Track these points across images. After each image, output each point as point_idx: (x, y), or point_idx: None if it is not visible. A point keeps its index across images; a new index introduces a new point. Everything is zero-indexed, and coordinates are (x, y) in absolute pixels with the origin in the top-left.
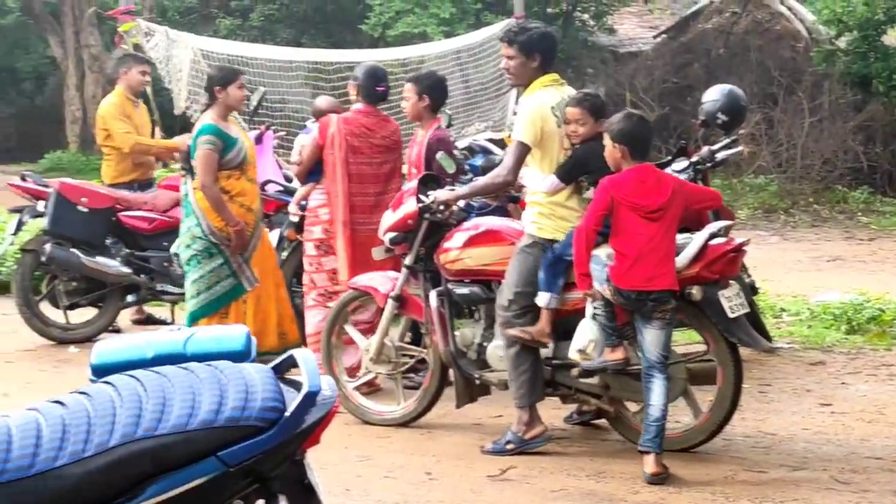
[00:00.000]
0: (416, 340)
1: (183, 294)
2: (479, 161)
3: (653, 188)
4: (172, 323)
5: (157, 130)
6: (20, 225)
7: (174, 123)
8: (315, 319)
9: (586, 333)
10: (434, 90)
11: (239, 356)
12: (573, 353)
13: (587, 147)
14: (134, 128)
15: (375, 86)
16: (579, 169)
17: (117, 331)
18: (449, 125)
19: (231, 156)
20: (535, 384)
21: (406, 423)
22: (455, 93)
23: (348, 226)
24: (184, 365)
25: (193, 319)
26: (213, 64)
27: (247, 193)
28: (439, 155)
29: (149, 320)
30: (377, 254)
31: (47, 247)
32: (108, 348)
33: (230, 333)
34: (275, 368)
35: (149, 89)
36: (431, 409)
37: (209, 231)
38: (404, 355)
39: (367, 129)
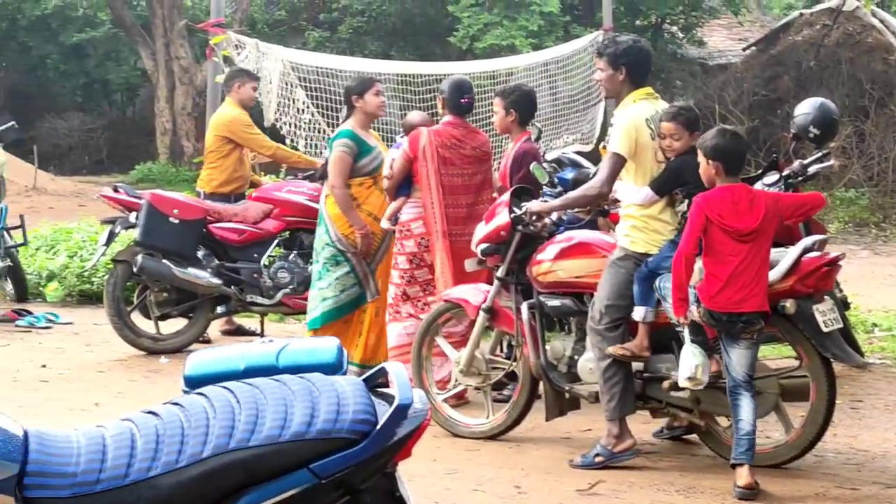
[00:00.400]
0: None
1: (272, 305)
2: (568, 174)
3: (746, 210)
4: (262, 334)
5: None
6: (112, 236)
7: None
8: (395, 333)
9: (690, 360)
10: (521, 104)
11: (331, 368)
12: (683, 382)
13: (681, 160)
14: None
15: (460, 98)
16: (673, 182)
17: (207, 342)
18: (538, 138)
19: (364, 162)
20: (626, 397)
21: (495, 435)
22: (543, 105)
23: (447, 236)
24: (276, 377)
25: (314, 326)
26: (303, 76)
27: (376, 203)
28: (533, 165)
29: (238, 331)
30: (469, 265)
31: (139, 258)
32: (201, 360)
33: (322, 346)
34: (367, 381)
35: None
36: (521, 422)
37: (336, 238)
38: (494, 368)
39: (457, 141)
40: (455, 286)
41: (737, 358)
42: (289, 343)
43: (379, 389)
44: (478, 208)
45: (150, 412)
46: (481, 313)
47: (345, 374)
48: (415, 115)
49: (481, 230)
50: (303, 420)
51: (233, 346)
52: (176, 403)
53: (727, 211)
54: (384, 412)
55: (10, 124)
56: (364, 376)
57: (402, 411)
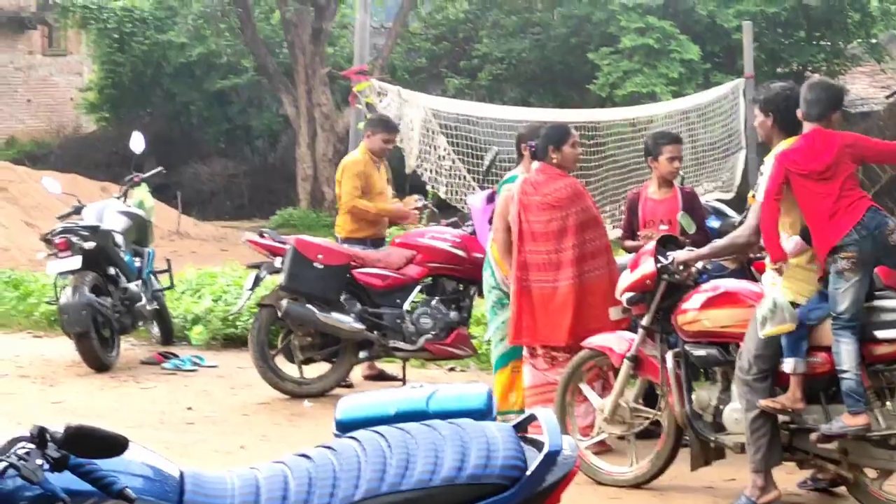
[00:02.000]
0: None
1: (414, 351)
2: (713, 222)
3: (820, 151)
4: (403, 380)
5: (389, 189)
6: (257, 280)
7: (403, 182)
8: (530, 372)
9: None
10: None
11: (480, 414)
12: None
13: None
14: (371, 188)
15: (545, 143)
16: None
17: (349, 386)
18: (680, 185)
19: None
20: (773, 448)
21: (638, 484)
22: (684, 153)
23: (518, 282)
24: (426, 422)
25: (494, 370)
26: (443, 123)
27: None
28: (679, 214)
29: (381, 376)
30: (614, 314)
31: (283, 302)
32: (352, 404)
33: (471, 392)
34: (516, 427)
35: None
36: (665, 471)
37: (501, 281)
38: (639, 416)
39: (534, 187)
40: (532, 332)
41: (841, 296)
42: (439, 389)
43: (528, 436)
44: (561, 255)
45: (302, 455)
46: (626, 361)
47: (494, 419)
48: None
49: (626, 279)
50: (453, 465)
51: (383, 391)
52: (328, 447)
53: (801, 157)
54: (534, 458)
55: (157, 170)
56: (514, 422)
57: (551, 458)
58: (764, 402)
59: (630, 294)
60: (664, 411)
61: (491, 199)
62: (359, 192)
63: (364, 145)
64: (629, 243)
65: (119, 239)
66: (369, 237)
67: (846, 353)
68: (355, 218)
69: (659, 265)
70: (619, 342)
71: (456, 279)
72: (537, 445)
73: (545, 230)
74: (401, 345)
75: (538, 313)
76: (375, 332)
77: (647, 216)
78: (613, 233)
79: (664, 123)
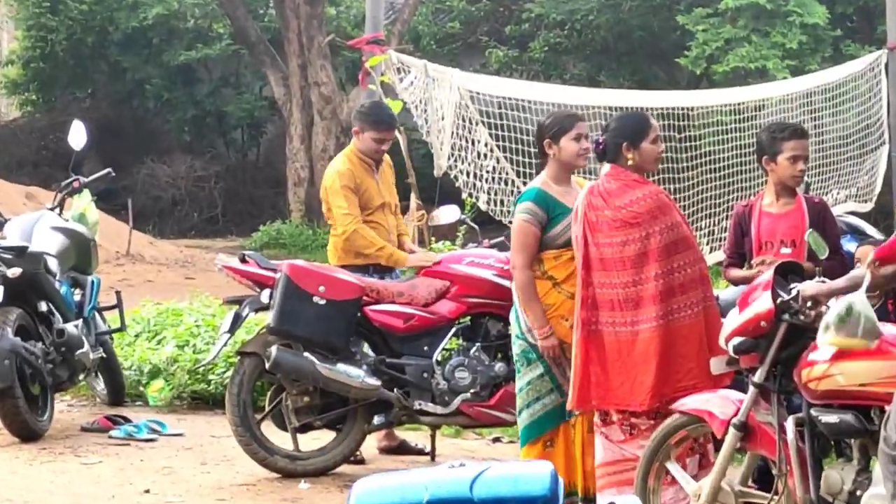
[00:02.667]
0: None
1: (447, 415)
2: (849, 244)
3: None
4: (433, 454)
5: (413, 199)
6: (238, 320)
7: (433, 187)
8: (602, 444)
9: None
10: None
11: (542, 502)
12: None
13: None
14: (369, 202)
15: (598, 140)
16: None
17: (360, 462)
18: (805, 192)
19: (559, 230)
20: None
21: None
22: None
23: (585, 326)
24: None
25: (521, 445)
26: (485, 109)
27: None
28: (807, 234)
29: (401, 449)
30: (716, 366)
31: (273, 349)
32: (370, 488)
33: (530, 472)
34: None
35: (402, 143)
36: None
37: (527, 329)
38: (748, 502)
39: (603, 198)
40: (604, 393)
41: None
42: (487, 468)
43: None
44: (641, 289)
45: None
46: (731, 430)
47: None
48: None
49: (733, 319)
50: None
51: (410, 471)
52: None
53: None
54: None
55: (104, 172)
56: None
57: None
58: None
59: (739, 340)
60: (781, 496)
61: None
62: (358, 212)
63: (352, 147)
64: (736, 273)
65: (53, 264)
66: (372, 265)
67: None
68: (347, 238)
69: (779, 301)
70: (721, 405)
71: (503, 319)
72: None
73: (620, 256)
74: (429, 407)
75: (611, 367)
76: (395, 390)
77: (761, 236)
78: (713, 257)
79: (780, 110)
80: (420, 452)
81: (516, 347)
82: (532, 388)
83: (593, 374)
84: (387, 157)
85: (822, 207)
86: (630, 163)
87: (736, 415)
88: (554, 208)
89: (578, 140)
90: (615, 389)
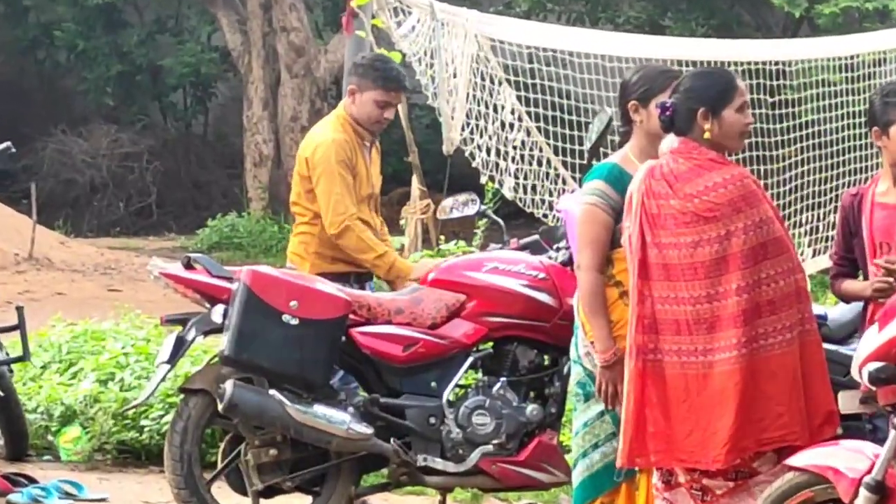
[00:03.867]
0: None
1: (462, 474)
2: None
3: None
4: None
5: (415, 183)
6: (181, 346)
7: (440, 168)
8: None
9: None
10: None
11: None
12: None
13: None
14: (357, 187)
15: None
16: None
17: None
18: None
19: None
20: None
21: None
22: None
23: (641, 354)
24: None
25: (576, 502)
26: (511, 64)
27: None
28: None
29: None
30: (846, 403)
31: (228, 386)
32: None
33: None
34: None
35: (401, 109)
36: None
37: (585, 351)
38: None
39: (669, 182)
40: (665, 446)
41: None
42: None
43: None
44: (717, 305)
45: None
46: (863, 492)
47: None
48: None
49: (871, 341)
50: None
51: None
52: None
53: None
54: None
55: (2, 147)
56: None
57: None
58: None
59: (878, 366)
60: None
61: None
62: (353, 201)
63: (343, 112)
64: (847, 286)
65: None
66: (355, 272)
67: None
68: (319, 239)
69: None
70: (851, 458)
71: (538, 345)
72: None
73: (690, 261)
74: (438, 463)
75: (675, 411)
76: (393, 441)
77: (875, 235)
78: (815, 264)
79: None
80: None
81: (574, 376)
82: (589, 432)
83: (651, 421)
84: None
85: None
86: (707, 136)
87: (870, 472)
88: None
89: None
90: (681, 441)
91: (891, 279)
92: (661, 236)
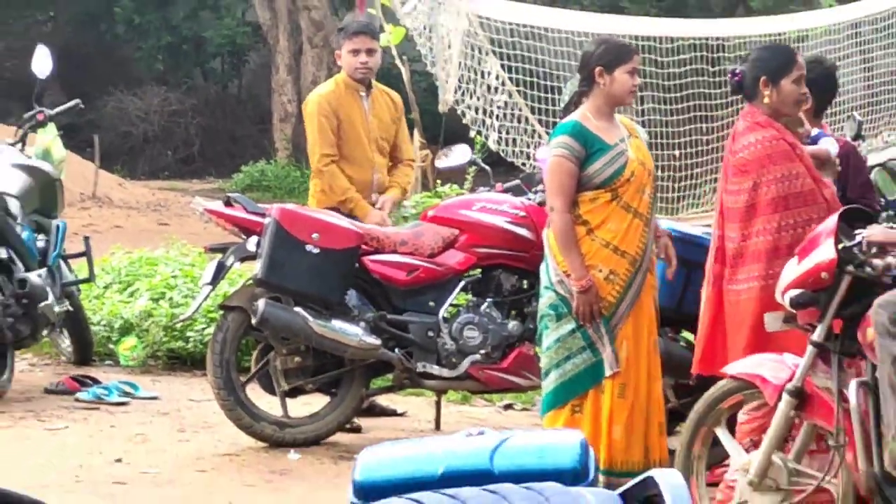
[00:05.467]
0: None
1: (454, 379)
2: None
3: None
4: (436, 422)
5: (417, 136)
6: (221, 271)
7: (437, 125)
8: None
9: None
10: (821, 86)
11: (572, 476)
12: None
13: None
14: (348, 135)
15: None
16: None
17: (356, 430)
18: (857, 135)
19: (597, 166)
20: None
21: None
22: (852, 87)
23: (717, 281)
24: (491, 487)
25: (543, 411)
26: (497, 38)
27: (617, 229)
28: (876, 171)
29: (371, 410)
30: (771, 322)
31: (260, 303)
32: (378, 459)
33: (558, 442)
34: (624, 495)
35: (405, 75)
36: None
37: (557, 279)
38: (801, 480)
39: (733, 139)
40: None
41: None
42: (509, 437)
43: None
44: (749, 245)
45: None
46: (785, 397)
47: (592, 483)
48: None
49: (791, 271)
50: None
51: (424, 440)
52: None
53: None
54: None
55: (72, 103)
56: (622, 489)
57: None
58: None
59: (797, 292)
60: (840, 473)
61: None
62: (330, 145)
63: (341, 73)
64: None
65: (14, 206)
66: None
67: None
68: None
69: (841, 248)
70: (775, 368)
71: (518, 272)
72: None
73: (733, 206)
74: (434, 369)
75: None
76: (397, 350)
77: None
78: None
79: (824, 42)
80: (393, 413)
81: (544, 300)
82: (562, 346)
83: (720, 336)
84: (391, 91)
85: (844, 150)
86: (766, 101)
87: (791, 380)
88: (593, 143)
89: (632, 75)
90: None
91: None
92: (725, 183)
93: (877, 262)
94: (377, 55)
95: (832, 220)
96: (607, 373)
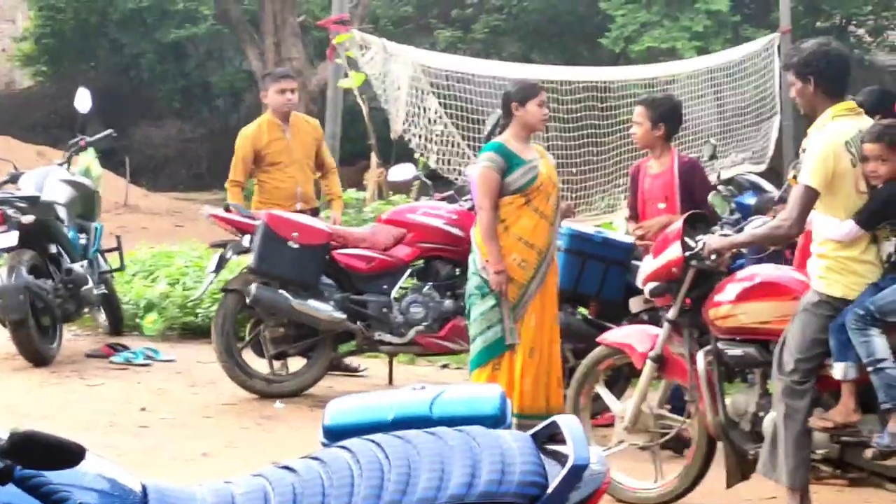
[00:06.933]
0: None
1: (403, 345)
2: (749, 198)
3: None
4: (389, 378)
5: (374, 158)
6: (222, 262)
7: (390, 149)
8: None
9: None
10: (671, 117)
11: (493, 421)
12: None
13: (890, 187)
14: (265, 159)
15: None
16: (881, 214)
17: (355, 370)
18: (713, 157)
19: (514, 177)
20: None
21: (666, 503)
22: (709, 119)
23: None
24: (430, 430)
25: (471, 369)
26: (434, 81)
27: (527, 225)
28: (712, 195)
29: (338, 368)
30: (634, 305)
31: (252, 287)
32: (342, 408)
33: (483, 394)
34: (534, 436)
35: (364, 110)
36: (695, 488)
37: (481, 266)
38: (664, 425)
39: None
40: None
41: None
42: (445, 390)
43: (549, 448)
44: None
45: (285, 467)
46: (649, 362)
47: (508, 426)
48: None
49: (649, 265)
50: (462, 481)
51: (379, 393)
52: (315, 458)
53: None
54: (556, 473)
55: (107, 132)
56: (532, 431)
57: (577, 472)
58: (814, 422)
59: (654, 285)
60: (694, 419)
61: None
62: (239, 173)
63: (267, 113)
64: (633, 227)
65: (62, 212)
66: (306, 210)
67: (880, 343)
68: (261, 189)
69: (686, 255)
70: (640, 339)
71: (452, 262)
72: (560, 459)
73: None
74: (387, 337)
75: None
76: (358, 323)
77: (644, 194)
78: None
79: (687, 84)
80: (355, 371)
81: (472, 282)
82: (485, 318)
83: None
84: (309, 118)
85: (691, 167)
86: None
87: (653, 348)
88: (512, 159)
89: (541, 106)
90: None
91: (639, 233)
92: None
93: (715, 259)
94: (297, 94)
95: (678, 224)
96: (507, 342)
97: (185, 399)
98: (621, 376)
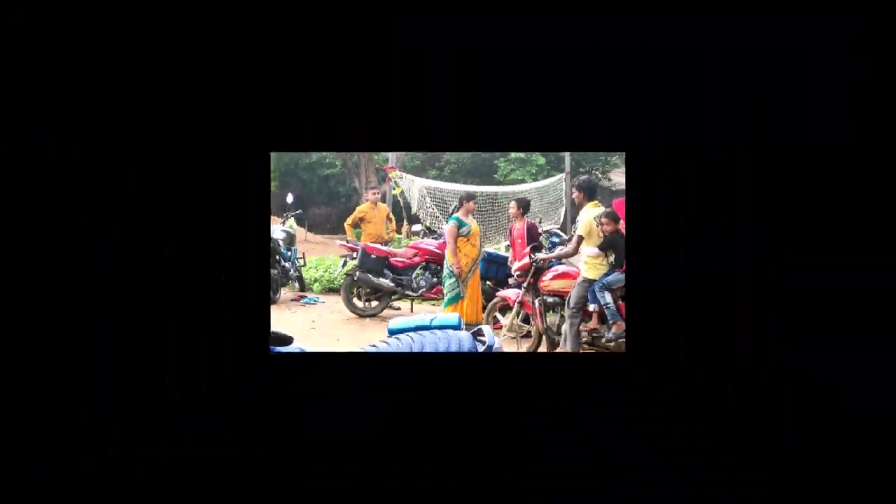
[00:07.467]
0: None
1: (417, 296)
2: (555, 239)
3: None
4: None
5: (405, 223)
6: (345, 262)
7: (411, 217)
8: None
9: None
10: (526, 207)
11: (455, 327)
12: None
13: (611, 236)
14: (373, 220)
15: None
16: (606, 246)
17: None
18: (540, 222)
19: (462, 230)
20: (579, 344)
21: None
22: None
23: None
24: (432, 331)
25: (446, 305)
26: (430, 191)
27: (469, 250)
28: (530, 246)
29: (390, 306)
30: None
31: (357, 273)
32: (395, 323)
33: (451, 317)
34: (473, 334)
35: (402, 202)
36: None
37: (449, 266)
38: (522, 328)
39: None
40: None
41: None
42: (436, 316)
43: (478, 338)
44: None
45: (384, 342)
46: (516, 304)
47: (461, 329)
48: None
49: (516, 264)
50: (446, 346)
51: (410, 316)
52: (396, 338)
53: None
54: (481, 348)
55: (298, 211)
56: (472, 331)
57: (489, 348)
58: (582, 327)
59: (518, 272)
60: (534, 326)
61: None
62: (351, 223)
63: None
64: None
65: (281, 244)
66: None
67: (608, 297)
68: (364, 232)
69: (531, 260)
70: (514, 295)
71: (436, 264)
72: (483, 342)
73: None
74: (410, 293)
75: None
76: (399, 287)
77: (514, 236)
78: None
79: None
80: (397, 308)
81: (445, 272)
82: (451, 286)
83: None
84: (382, 205)
85: (532, 225)
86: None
87: (518, 298)
88: (462, 222)
89: (474, 202)
90: None
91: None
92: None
93: (542, 262)
94: (378, 195)
95: (528, 249)
96: (462, 295)
97: (328, 317)
98: (507, 308)
